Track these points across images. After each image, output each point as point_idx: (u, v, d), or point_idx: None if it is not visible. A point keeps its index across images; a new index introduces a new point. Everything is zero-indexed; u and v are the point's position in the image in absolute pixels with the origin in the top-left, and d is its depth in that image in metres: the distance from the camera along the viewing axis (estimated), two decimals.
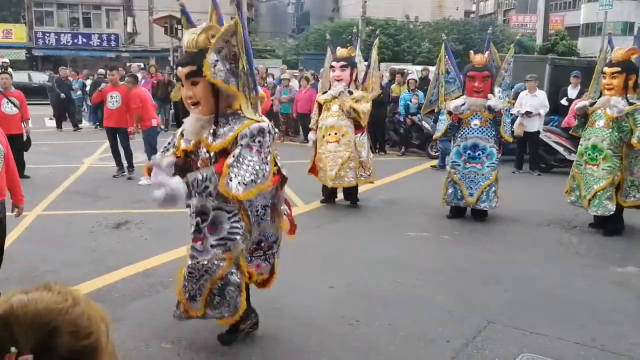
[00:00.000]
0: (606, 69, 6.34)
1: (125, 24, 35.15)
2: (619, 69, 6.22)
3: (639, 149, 6.25)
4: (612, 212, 6.32)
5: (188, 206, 3.40)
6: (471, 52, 7.17)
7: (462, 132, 6.93)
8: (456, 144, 7.02)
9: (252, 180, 3.07)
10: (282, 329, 4.02)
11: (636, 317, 4.36)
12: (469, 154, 6.91)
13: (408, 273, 5.20)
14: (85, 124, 17.97)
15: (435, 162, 11.08)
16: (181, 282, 3.42)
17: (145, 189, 8.62)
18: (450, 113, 6.87)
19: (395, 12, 44.63)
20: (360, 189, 7.90)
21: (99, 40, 35.29)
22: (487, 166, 6.87)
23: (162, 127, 16.04)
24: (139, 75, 12.82)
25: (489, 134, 6.85)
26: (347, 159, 7.38)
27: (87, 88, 17.79)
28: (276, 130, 3.43)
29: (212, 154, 3.26)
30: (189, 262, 3.35)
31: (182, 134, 3.42)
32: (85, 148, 12.48)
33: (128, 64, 23.02)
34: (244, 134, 3.10)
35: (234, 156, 3.09)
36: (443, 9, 54.03)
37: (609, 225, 6.52)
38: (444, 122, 7.05)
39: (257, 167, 3.09)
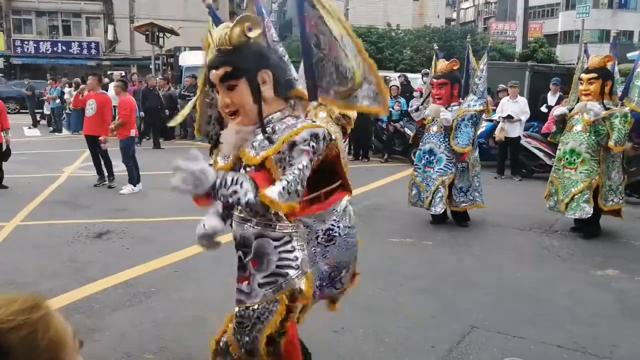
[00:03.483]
0: (583, 76, 6.45)
1: (106, 31, 34.95)
2: (595, 75, 6.33)
3: (616, 153, 6.37)
4: (589, 215, 6.40)
5: (235, 239, 2.64)
6: (440, 60, 7.27)
7: (424, 137, 7.17)
8: (418, 148, 7.26)
9: (296, 190, 2.34)
10: None
11: (617, 320, 4.41)
12: (426, 158, 7.05)
13: (391, 279, 5.20)
14: (65, 132, 17.82)
15: None
16: (232, 335, 2.68)
17: (126, 198, 8.58)
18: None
19: (377, 20, 44.90)
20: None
21: (79, 49, 35.02)
22: (436, 171, 6.96)
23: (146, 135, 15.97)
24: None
25: (441, 140, 6.94)
26: None
27: (66, 96, 17.67)
28: (332, 137, 2.56)
29: (253, 168, 2.49)
30: (236, 309, 2.59)
31: (216, 151, 2.69)
32: (66, 157, 12.34)
33: (109, 72, 22.87)
34: (294, 141, 2.37)
35: (286, 167, 2.39)
36: (424, 17, 54.47)
37: (588, 228, 6.62)
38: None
39: (301, 174, 2.36)
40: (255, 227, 2.50)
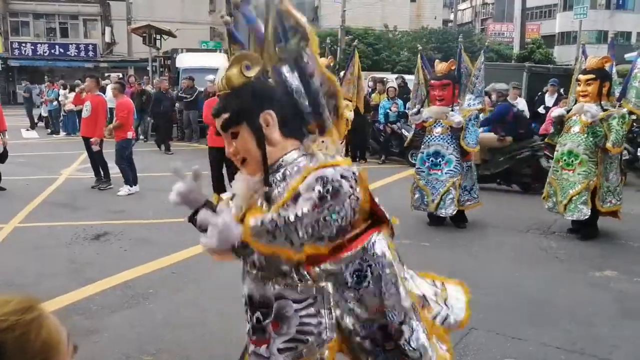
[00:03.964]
0: (581, 77, 6.44)
1: (103, 34, 34.96)
2: (593, 76, 6.32)
3: (613, 155, 6.38)
4: (587, 217, 6.40)
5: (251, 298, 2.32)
6: (436, 61, 7.27)
7: (426, 140, 7.07)
8: (420, 151, 7.14)
9: (275, 226, 2.02)
10: None
11: (615, 320, 4.41)
12: (431, 160, 7.00)
13: None
14: (62, 134, 17.81)
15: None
16: None
17: (124, 200, 8.57)
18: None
19: (374, 22, 44.92)
20: None
21: (76, 51, 35.00)
22: (445, 173, 6.93)
23: (142, 137, 15.99)
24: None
25: (449, 141, 6.92)
26: None
27: (61, 98, 17.68)
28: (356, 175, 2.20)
29: None
30: None
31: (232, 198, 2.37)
32: (63, 159, 12.34)
33: (107, 74, 22.87)
34: (298, 194, 2.06)
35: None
36: (421, 18, 54.50)
37: (585, 230, 6.62)
38: (410, 131, 7.20)
39: (299, 222, 2.02)
40: (276, 286, 2.20)
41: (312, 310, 2.19)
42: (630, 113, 6.50)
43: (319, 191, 2.03)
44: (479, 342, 3.99)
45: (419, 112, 7.04)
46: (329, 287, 2.19)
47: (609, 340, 4.04)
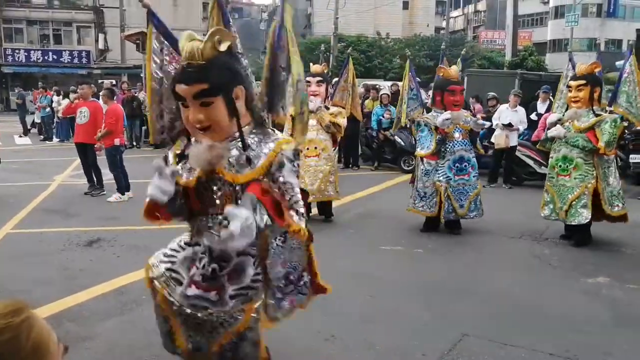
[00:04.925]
0: (572, 82, 6.49)
1: (97, 40, 34.92)
2: (584, 81, 6.37)
3: (609, 158, 6.42)
4: (588, 220, 6.41)
5: (195, 244, 2.69)
6: (442, 66, 7.26)
7: (449, 146, 6.96)
8: (446, 159, 6.97)
9: (302, 212, 2.55)
10: None
11: (608, 327, 4.43)
12: (457, 166, 6.97)
13: (382, 287, 5.21)
14: (55, 140, 17.77)
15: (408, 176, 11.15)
16: (178, 327, 2.76)
17: (117, 206, 8.55)
18: (436, 128, 6.87)
19: (367, 29, 45.13)
20: (334, 204, 7.91)
21: (69, 57, 34.97)
22: (474, 176, 7.03)
23: (135, 143, 15.95)
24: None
25: (469, 145, 7.04)
26: (328, 173, 7.46)
27: (54, 104, 17.66)
28: None
29: (237, 187, 2.54)
30: (198, 314, 2.64)
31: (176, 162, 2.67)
32: (56, 165, 12.29)
33: (100, 81, 22.86)
34: (281, 161, 2.47)
35: (279, 186, 2.49)
36: (414, 26, 54.82)
37: (578, 236, 6.64)
38: (428, 138, 6.98)
39: (298, 193, 2.55)
40: None
41: (258, 264, 2.64)
42: (622, 118, 6.55)
43: (298, 164, 2.54)
44: (472, 349, 3.99)
45: (449, 117, 6.80)
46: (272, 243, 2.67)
47: (601, 347, 4.05)
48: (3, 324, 0.99)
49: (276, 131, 2.67)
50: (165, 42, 2.94)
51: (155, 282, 2.78)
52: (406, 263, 6.08)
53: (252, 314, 2.67)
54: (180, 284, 2.68)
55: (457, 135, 6.97)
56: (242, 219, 2.19)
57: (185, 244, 2.77)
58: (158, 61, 2.93)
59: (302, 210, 2.52)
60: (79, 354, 3.65)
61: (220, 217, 2.46)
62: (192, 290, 2.63)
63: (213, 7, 2.78)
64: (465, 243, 6.81)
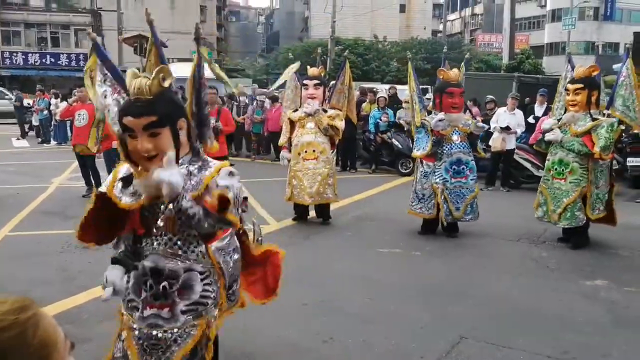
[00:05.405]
0: (569, 86, 6.50)
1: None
2: (581, 85, 6.39)
3: (604, 163, 6.44)
4: (583, 222, 6.46)
5: (134, 268, 2.79)
6: (443, 69, 7.26)
7: (446, 149, 6.98)
8: (443, 161, 6.99)
9: (238, 207, 2.76)
10: (255, 346, 3.99)
11: (606, 329, 4.44)
12: (454, 169, 6.98)
13: (381, 289, 5.22)
14: (53, 143, 17.75)
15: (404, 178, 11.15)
16: (137, 356, 2.83)
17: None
18: (432, 130, 6.89)
19: (364, 32, 45.20)
20: (332, 206, 7.93)
21: (67, 60, 34.97)
22: (471, 179, 7.02)
23: None
24: None
25: (468, 147, 7.04)
26: (326, 176, 7.47)
27: (52, 107, 17.64)
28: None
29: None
30: (153, 332, 2.76)
31: (115, 186, 2.81)
32: (54, 168, 12.27)
33: None
34: (215, 181, 2.67)
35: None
36: (411, 29, 54.97)
37: (576, 239, 6.66)
38: (424, 140, 7.01)
39: (239, 195, 2.76)
40: (185, 262, 2.74)
41: (209, 280, 2.80)
42: (620, 122, 6.57)
43: (232, 180, 2.68)
44: (470, 351, 4.00)
45: (441, 119, 6.82)
46: (217, 261, 2.81)
47: (600, 349, 4.07)
48: (10, 320, 0.99)
49: (209, 159, 2.88)
50: (108, 73, 3.24)
51: (124, 315, 2.92)
52: (404, 265, 6.09)
53: (204, 330, 2.80)
54: (137, 309, 2.81)
55: (455, 137, 6.97)
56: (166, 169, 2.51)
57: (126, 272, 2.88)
58: (101, 91, 3.23)
59: (238, 204, 2.71)
60: (78, 355, 3.63)
61: (166, 238, 2.72)
62: (147, 311, 2.77)
63: (151, 48, 3.07)
64: (463, 246, 6.82)
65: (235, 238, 3.00)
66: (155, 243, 2.76)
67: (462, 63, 8.03)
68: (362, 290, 5.17)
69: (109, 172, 9.14)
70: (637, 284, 5.49)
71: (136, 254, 2.81)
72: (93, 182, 9.39)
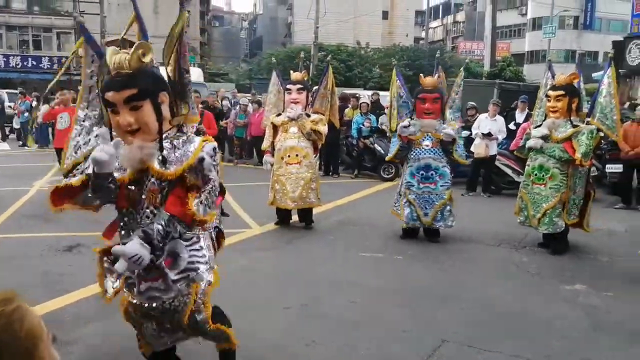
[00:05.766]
0: (550, 93, 6.61)
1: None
2: (562, 92, 6.50)
3: (583, 169, 6.55)
4: (562, 229, 6.55)
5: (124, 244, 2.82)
6: (421, 75, 7.36)
7: (414, 153, 7.04)
8: (409, 165, 7.09)
9: (213, 201, 2.80)
10: (237, 349, 3.98)
11: (586, 333, 4.50)
12: (422, 174, 7.02)
13: (363, 293, 5.24)
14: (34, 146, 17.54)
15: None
16: (143, 331, 3.07)
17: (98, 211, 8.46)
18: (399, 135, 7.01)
19: (347, 39, 45.42)
20: (315, 211, 7.94)
21: (49, 63, 34.58)
22: (441, 185, 7.00)
23: None
24: None
25: (440, 154, 7.00)
26: (309, 180, 7.48)
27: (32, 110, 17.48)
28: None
29: (164, 183, 2.80)
30: (154, 304, 2.87)
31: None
32: (35, 171, 12.13)
33: (79, 87, 22.65)
34: (202, 157, 2.74)
35: (198, 181, 2.79)
36: (393, 36, 55.32)
37: (555, 244, 6.74)
38: (395, 144, 7.17)
39: (215, 186, 2.82)
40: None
41: (197, 246, 2.90)
42: (599, 130, 6.68)
43: (216, 159, 2.79)
44: (451, 355, 4.03)
45: (409, 125, 6.95)
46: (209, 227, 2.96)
47: (580, 353, 4.12)
48: None
49: (194, 135, 2.95)
50: (95, 54, 3.29)
51: (124, 292, 3.01)
52: (386, 269, 6.12)
53: (199, 295, 2.89)
54: (135, 285, 2.91)
55: (426, 143, 6.99)
56: (127, 257, 2.62)
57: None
58: (89, 71, 3.32)
59: (208, 204, 2.77)
60: (61, 358, 3.62)
61: (148, 210, 2.80)
62: (143, 285, 2.86)
63: (132, 22, 3.05)
64: (445, 250, 6.87)
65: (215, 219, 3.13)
66: (139, 217, 2.84)
67: (462, 68, 8.11)
68: (344, 294, 5.19)
69: None
70: (616, 288, 5.57)
71: (126, 228, 2.90)
72: None
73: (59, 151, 9.25)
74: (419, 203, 7.01)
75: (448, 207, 7.04)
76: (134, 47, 2.69)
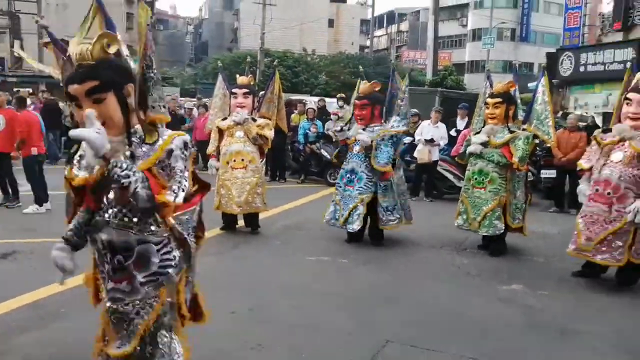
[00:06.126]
0: (489, 100, 6.88)
1: (12, 47, 33.33)
2: (500, 99, 6.78)
3: (520, 173, 6.82)
4: (501, 232, 6.78)
5: (93, 241, 2.77)
6: (359, 80, 7.48)
7: (347, 157, 7.29)
8: (342, 167, 7.36)
9: (185, 187, 2.65)
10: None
11: (524, 331, 4.66)
12: (348, 177, 7.20)
13: (309, 297, 5.27)
14: None
15: None
16: (104, 333, 2.89)
17: (35, 218, 8.19)
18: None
19: (293, 45, 45.61)
20: (261, 216, 7.92)
21: None
22: (356, 189, 7.10)
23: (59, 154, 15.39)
24: (29, 101, 12.21)
25: (362, 159, 7.12)
26: (255, 185, 7.45)
27: None
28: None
29: None
30: (114, 306, 2.74)
31: (72, 162, 2.76)
32: None
33: (15, 89, 21.90)
34: (171, 149, 2.64)
35: (168, 172, 2.65)
36: (339, 43, 55.90)
37: (494, 246, 6.97)
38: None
39: (185, 176, 2.68)
40: (137, 234, 2.66)
41: (168, 248, 2.74)
42: (535, 136, 6.94)
43: (185, 153, 2.65)
44: (395, 355, 4.11)
45: (341, 129, 7.23)
46: (179, 227, 2.74)
47: (519, 351, 4.28)
48: None
49: (164, 128, 2.80)
50: (62, 55, 2.98)
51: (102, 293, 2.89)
52: (331, 273, 6.16)
53: (167, 299, 2.77)
54: (105, 281, 2.80)
55: (356, 148, 7.15)
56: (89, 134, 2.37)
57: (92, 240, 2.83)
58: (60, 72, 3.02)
59: (180, 188, 2.63)
60: None
61: (115, 209, 2.62)
62: (110, 284, 2.76)
63: (95, 13, 2.78)
64: (388, 253, 6.98)
65: (196, 216, 2.93)
66: (106, 215, 2.67)
67: (406, 75, 8.25)
68: (290, 298, 5.20)
69: (29, 180, 8.76)
70: (550, 288, 5.81)
71: (94, 227, 2.73)
72: (10, 190, 8.97)
73: None
74: (343, 204, 7.16)
75: (358, 211, 7.06)
76: (96, 37, 2.55)
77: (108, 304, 2.77)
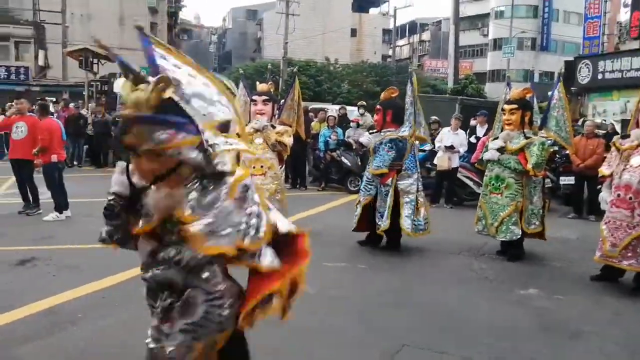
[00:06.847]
0: (505, 106, 6.94)
1: (37, 57, 33.95)
2: (516, 106, 6.81)
3: (537, 179, 6.80)
4: (518, 237, 6.75)
5: (144, 280, 2.55)
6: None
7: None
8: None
9: (229, 232, 2.29)
10: None
11: (538, 335, 4.64)
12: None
13: (325, 302, 5.25)
14: None
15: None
16: None
17: (54, 226, 8.27)
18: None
19: (316, 55, 45.76)
20: None
21: (6, 73, 33.76)
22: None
23: (76, 162, 15.64)
24: (52, 108, 12.41)
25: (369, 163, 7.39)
26: (274, 192, 7.47)
27: None
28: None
29: None
30: (152, 345, 2.51)
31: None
32: None
33: (38, 98, 22.31)
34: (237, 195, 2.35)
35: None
36: (361, 53, 55.96)
37: (512, 252, 6.94)
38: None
39: (236, 218, 2.31)
40: (193, 279, 2.43)
41: (219, 302, 2.44)
42: (554, 142, 6.90)
43: (246, 196, 2.35)
44: (410, 358, 4.10)
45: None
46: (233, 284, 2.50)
47: (527, 353, 4.26)
48: None
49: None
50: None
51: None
52: (348, 278, 6.16)
53: (202, 357, 2.50)
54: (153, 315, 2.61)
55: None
56: None
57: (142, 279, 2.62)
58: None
59: (217, 227, 2.31)
60: None
61: (173, 237, 2.39)
62: (155, 322, 2.54)
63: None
64: (406, 259, 6.98)
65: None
66: (164, 254, 2.45)
67: (411, 79, 8.28)
68: (305, 303, 5.13)
69: (49, 187, 8.80)
70: (567, 292, 5.79)
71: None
72: (30, 197, 9.08)
73: (15, 162, 9.01)
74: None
75: (355, 212, 7.38)
76: (152, 82, 2.24)
77: (147, 340, 2.55)
